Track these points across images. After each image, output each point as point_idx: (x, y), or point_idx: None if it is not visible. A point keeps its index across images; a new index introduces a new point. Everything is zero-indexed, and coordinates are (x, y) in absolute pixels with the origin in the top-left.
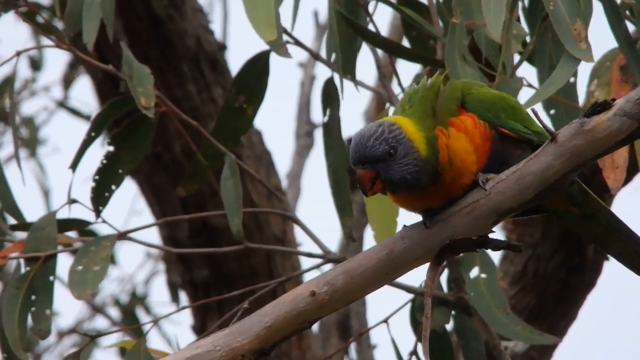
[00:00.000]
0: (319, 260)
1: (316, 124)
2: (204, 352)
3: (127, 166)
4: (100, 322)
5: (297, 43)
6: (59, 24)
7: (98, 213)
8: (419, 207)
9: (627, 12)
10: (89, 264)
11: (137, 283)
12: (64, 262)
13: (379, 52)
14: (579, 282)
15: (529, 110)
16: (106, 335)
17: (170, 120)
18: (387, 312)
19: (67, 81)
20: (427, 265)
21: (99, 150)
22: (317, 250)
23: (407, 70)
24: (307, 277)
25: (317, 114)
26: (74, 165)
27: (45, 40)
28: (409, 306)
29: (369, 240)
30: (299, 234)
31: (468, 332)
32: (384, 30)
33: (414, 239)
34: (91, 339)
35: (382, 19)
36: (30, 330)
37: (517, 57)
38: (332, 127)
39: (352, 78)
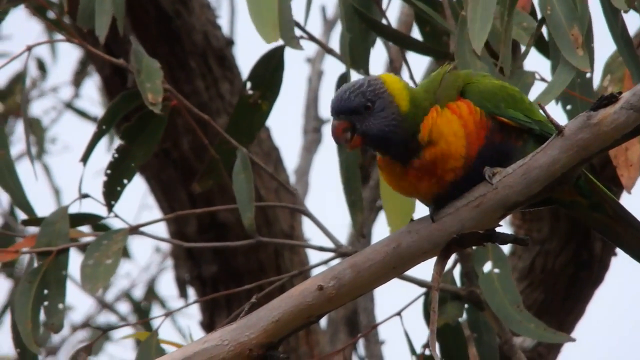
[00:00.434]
0: (327, 255)
1: (324, 120)
2: (212, 347)
3: (138, 160)
4: (112, 318)
5: (311, 38)
6: (69, 20)
7: (110, 207)
8: (413, 191)
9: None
10: (101, 257)
11: (149, 279)
12: (76, 258)
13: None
14: (587, 278)
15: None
16: (118, 329)
17: (179, 116)
18: (397, 307)
19: (77, 80)
20: (435, 259)
21: (107, 149)
22: (327, 245)
23: (419, 66)
24: (316, 272)
25: (325, 110)
26: (84, 159)
27: (57, 37)
28: (422, 300)
29: (378, 236)
30: (307, 230)
31: (481, 326)
32: (393, 26)
33: (421, 233)
34: (103, 332)
35: (391, 14)
36: (43, 325)
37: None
38: None
39: (365, 72)
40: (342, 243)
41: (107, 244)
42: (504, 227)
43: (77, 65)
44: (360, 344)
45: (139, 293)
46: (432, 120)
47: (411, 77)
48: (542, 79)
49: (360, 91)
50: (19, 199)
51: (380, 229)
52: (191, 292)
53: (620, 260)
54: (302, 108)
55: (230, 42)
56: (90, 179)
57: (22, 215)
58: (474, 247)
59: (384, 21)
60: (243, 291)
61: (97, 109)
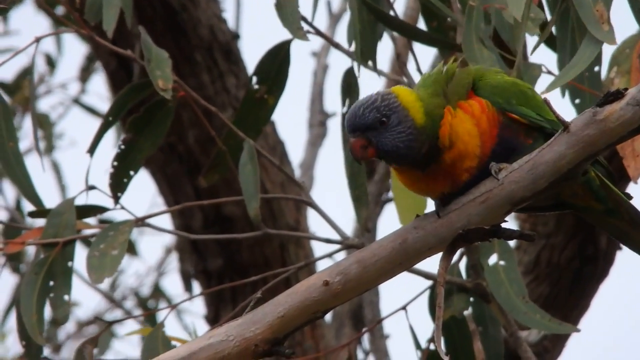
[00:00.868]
0: (333, 248)
1: (329, 114)
2: (217, 342)
3: (145, 152)
4: (119, 314)
5: (317, 32)
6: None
7: (117, 199)
8: (428, 191)
9: None
10: (107, 248)
11: (156, 277)
12: (83, 252)
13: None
14: (592, 272)
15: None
16: (123, 322)
17: (184, 109)
18: (403, 301)
19: (85, 76)
20: (441, 254)
21: (115, 144)
22: (334, 238)
23: (426, 58)
24: (321, 264)
25: (330, 104)
26: (91, 150)
27: (66, 27)
28: (427, 293)
29: (383, 230)
30: (312, 223)
31: (486, 318)
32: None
33: (427, 228)
34: (108, 324)
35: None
36: (49, 321)
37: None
38: None
39: (373, 65)
40: (349, 235)
41: (113, 235)
42: (510, 220)
43: (84, 61)
44: (365, 338)
45: (146, 291)
46: (449, 124)
47: (418, 69)
48: (549, 72)
49: (374, 107)
50: (27, 190)
51: (386, 223)
52: (196, 286)
53: (626, 255)
54: (307, 102)
55: (236, 36)
56: (98, 175)
57: (29, 209)
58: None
59: (391, 13)
60: (248, 285)
61: (105, 105)
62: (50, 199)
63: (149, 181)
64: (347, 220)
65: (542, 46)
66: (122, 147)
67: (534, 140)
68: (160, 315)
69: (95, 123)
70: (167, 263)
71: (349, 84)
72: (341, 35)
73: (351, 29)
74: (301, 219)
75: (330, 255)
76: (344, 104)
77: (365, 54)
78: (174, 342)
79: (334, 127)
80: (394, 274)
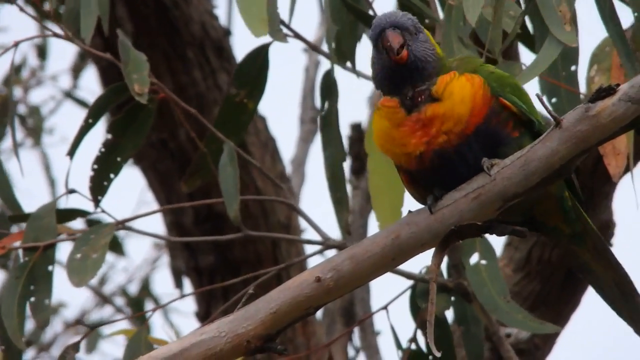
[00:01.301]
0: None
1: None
2: (209, 338)
3: (125, 154)
4: (107, 313)
5: (296, 35)
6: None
7: (97, 202)
8: (402, 144)
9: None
10: (88, 251)
11: (144, 274)
12: (66, 253)
13: None
14: None
15: (532, 96)
16: (109, 325)
17: (176, 105)
18: (391, 298)
19: (76, 70)
20: (431, 251)
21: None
22: (323, 237)
23: None
24: (312, 262)
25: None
26: (71, 153)
27: (50, 29)
28: (409, 293)
29: (375, 226)
30: (303, 220)
31: (468, 318)
32: None
33: (420, 224)
34: (90, 329)
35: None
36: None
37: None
38: (330, 120)
39: (352, 65)
40: (334, 235)
41: (95, 238)
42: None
43: (76, 57)
44: (356, 335)
45: (135, 289)
46: (449, 79)
47: None
48: None
49: (409, 16)
50: (6, 195)
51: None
52: (187, 283)
53: (617, 253)
54: (299, 98)
55: (227, 33)
56: (84, 171)
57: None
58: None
59: (371, 12)
60: (239, 282)
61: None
62: (41, 194)
63: (136, 179)
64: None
65: (521, 48)
66: (102, 150)
67: (520, 135)
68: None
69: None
70: (157, 259)
71: (328, 86)
72: None
73: (330, 30)
74: (292, 216)
75: (320, 252)
76: (323, 106)
77: (344, 54)
78: (156, 345)
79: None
80: (387, 269)
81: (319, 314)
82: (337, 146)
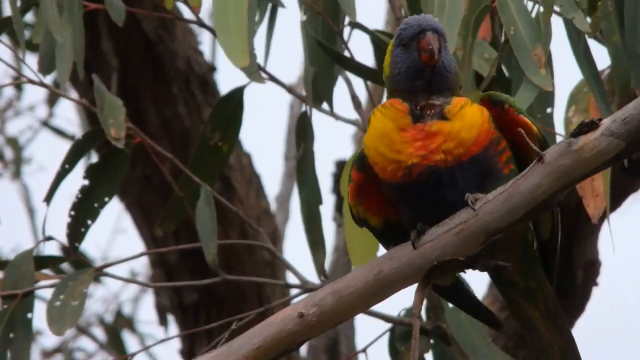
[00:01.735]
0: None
1: None
2: None
3: (102, 200)
4: (86, 342)
5: (271, 78)
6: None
7: (74, 249)
8: (400, 150)
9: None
10: (68, 298)
11: (122, 302)
12: (46, 295)
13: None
14: (568, 308)
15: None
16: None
17: (159, 143)
18: (375, 335)
19: (52, 100)
20: (413, 287)
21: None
22: (306, 277)
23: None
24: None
25: None
26: (48, 199)
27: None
28: (388, 335)
29: None
30: (288, 257)
31: None
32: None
33: (402, 259)
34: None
35: (363, 50)
36: None
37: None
38: (306, 162)
39: (330, 106)
40: (309, 280)
41: (73, 285)
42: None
43: (51, 84)
44: None
45: (114, 316)
46: (464, 103)
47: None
48: None
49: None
50: None
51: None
52: (171, 319)
53: (602, 291)
54: (283, 134)
55: (212, 68)
56: (62, 205)
57: None
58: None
59: (347, 54)
60: (223, 318)
61: (73, 128)
62: (21, 225)
63: (112, 207)
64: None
65: (500, 87)
66: (79, 196)
67: (509, 172)
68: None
69: (64, 145)
70: (135, 288)
71: (304, 128)
72: None
73: (306, 71)
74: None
75: (304, 293)
76: (299, 149)
77: (321, 95)
78: None
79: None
80: (370, 305)
81: (302, 350)
82: (313, 189)
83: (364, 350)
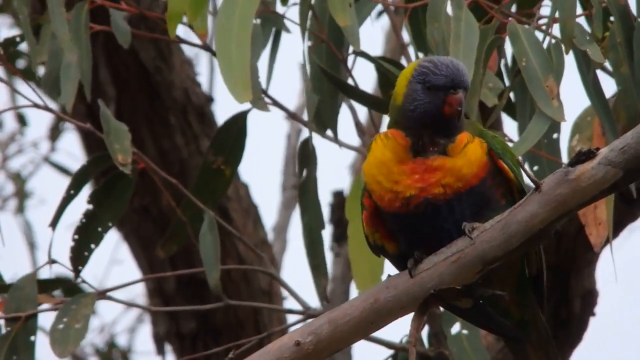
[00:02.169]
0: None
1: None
2: None
3: (106, 225)
4: None
5: (275, 103)
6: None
7: (77, 273)
8: (398, 182)
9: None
10: (71, 321)
11: (117, 333)
12: (47, 321)
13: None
14: (565, 337)
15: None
16: None
17: (156, 172)
18: None
19: (54, 134)
20: (411, 315)
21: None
22: (303, 303)
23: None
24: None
25: None
26: (53, 224)
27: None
28: None
29: (356, 294)
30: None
31: None
32: (370, 88)
33: (399, 288)
34: None
35: (366, 78)
36: None
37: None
38: (308, 187)
39: (334, 134)
40: (311, 305)
41: (76, 308)
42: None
43: (53, 119)
44: None
45: (111, 347)
46: (466, 141)
47: None
48: (510, 141)
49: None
50: None
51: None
52: (169, 349)
53: (600, 321)
54: (280, 165)
55: (210, 99)
56: (65, 233)
57: None
58: (441, 308)
59: (351, 82)
60: (221, 350)
61: (75, 163)
62: (22, 259)
63: (109, 238)
64: None
65: (505, 113)
66: (83, 220)
67: (506, 203)
68: None
69: (66, 180)
70: (133, 318)
71: (306, 154)
72: None
73: (310, 99)
74: (274, 283)
75: (302, 321)
76: (301, 174)
77: (325, 123)
78: None
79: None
80: (366, 333)
81: None
82: (315, 213)
83: None
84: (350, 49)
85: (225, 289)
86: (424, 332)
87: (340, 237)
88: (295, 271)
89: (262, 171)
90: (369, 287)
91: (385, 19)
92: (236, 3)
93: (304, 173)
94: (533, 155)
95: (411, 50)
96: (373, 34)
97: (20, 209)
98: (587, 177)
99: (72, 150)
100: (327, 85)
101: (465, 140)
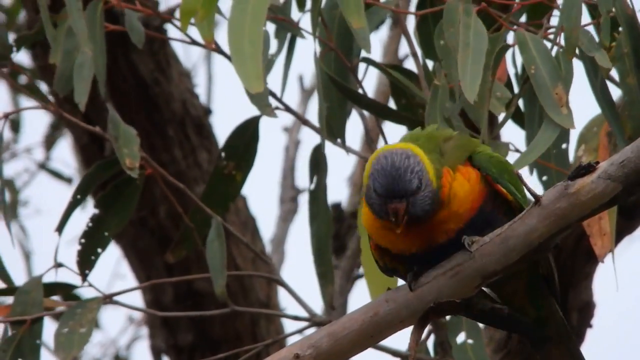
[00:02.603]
0: (304, 324)
1: (301, 189)
2: None
3: (113, 229)
4: None
5: (287, 109)
6: (42, 85)
7: (84, 277)
8: (399, 246)
9: (613, 71)
10: (75, 326)
11: (119, 348)
12: (50, 328)
13: (366, 115)
14: None
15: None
16: None
17: (155, 184)
18: None
19: (49, 142)
20: (412, 327)
21: (82, 213)
22: (303, 314)
23: (396, 135)
24: (292, 340)
25: (302, 179)
26: (59, 229)
27: (28, 102)
28: None
29: (354, 306)
30: (283, 299)
31: None
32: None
33: (399, 301)
34: None
35: (368, 84)
36: None
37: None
38: (318, 194)
39: (342, 142)
40: (317, 312)
41: (81, 312)
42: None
43: (48, 128)
44: None
45: None
46: (449, 185)
47: None
48: (517, 150)
49: (415, 171)
50: None
51: (357, 299)
52: None
53: (596, 333)
54: (278, 177)
55: (208, 111)
56: (64, 245)
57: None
58: (447, 317)
59: (360, 91)
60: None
61: (70, 170)
62: (17, 268)
63: (111, 252)
64: (317, 296)
65: (509, 125)
66: (90, 224)
67: (508, 220)
68: None
69: (61, 188)
70: (131, 334)
71: (317, 161)
72: (313, 111)
73: (320, 106)
74: (272, 294)
75: (301, 331)
76: (311, 181)
77: (334, 131)
78: None
79: (306, 203)
80: (366, 346)
81: None
82: (324, 220)
83: None
84: (360, 54)
85: (222, 302)
86: (430, 341)
87: (338, 249)
88: (293, 284)
89: (260, 184)
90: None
91: (383, 31)
92: None
93: (314, 180)
94: (542, 166)
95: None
96: (377, 41)
97: (14, 217)
98: (586, 191)
99: (66, 159)
100: (336, 93)
101: (448, 185)
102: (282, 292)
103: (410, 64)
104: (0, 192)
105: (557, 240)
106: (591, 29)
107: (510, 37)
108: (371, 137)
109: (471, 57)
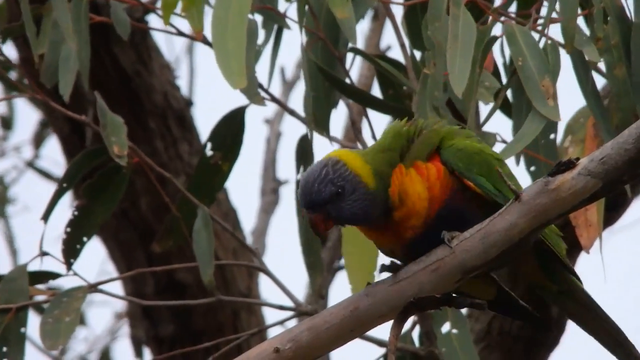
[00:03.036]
0: (284, 315)
1: (282, 181)
2: None
3: (99, 218)
4: None
5: (273, 99)
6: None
7: (69, 265)
8: (380, 244)
9: (600, 64)
10: (61, 315)
11: (105, 344)
12: (36, 318)
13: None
14: (543, 341)
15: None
16: None
17: (137, 176)
18: None
19: (38, 140)
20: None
21: (68, 209)
22: (287, 305)
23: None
24: (273, 331)
25: (283, 171)
26: (45, 217)
27: (20, 100)
28: None
29: (335, 298)
30: (264, 290)
31: None
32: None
33: (379, 296)
34: None
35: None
36: None
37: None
38: None
39: (327, 132)
40: (302, 302)
41: (67, 301)
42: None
43: (38, 126)
44: None
45: (95, 358)
46: (398, 183)
47: (373, 136)
48: (503, 141)
49: (327, 179)
50: None
51: (338, 291)
52: (147, 352)
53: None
54: (260, 169)
55: (189, 103)
56: (50, 241)
57: None
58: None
59: (347, 81)
60: (200, 352)
61: (59, 170)
62: (3, 265)
63: (98, 249)
64: (298, 287)
65: (497, 115)
66: (76, 213)
67: (486, 211)
68: None
69: (49, 187)
70: (118, 329)
71: (304, 151)
72: (294, 102)
73: (306, 95)
74: (253, 286)
75: (282, 322)
76: (298, 171)
77: (319, 121)
78: None
79: (287, 195)
80: (346, 340)
81: None
82: None
83: None
84: (348, 44)
85: (203, 292)
86: (415, 331)
87: (322, 239)
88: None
89: (241, 175)
90: (362, 287)
91: (364, 23)
92: None
93: (300, 170)
94: (529, 156)
95: (398, 49)
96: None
97: (1, 214)
98: (567, 188)
99: (56, 157)
100: (323, 83)
101: (397, 188)
102: (263, 284)
103: (393, 56)
104: None
105: (536, 237)
106: (580, 20)
107: (498, 28)
108: (357, 127)
109: (459, 50)
